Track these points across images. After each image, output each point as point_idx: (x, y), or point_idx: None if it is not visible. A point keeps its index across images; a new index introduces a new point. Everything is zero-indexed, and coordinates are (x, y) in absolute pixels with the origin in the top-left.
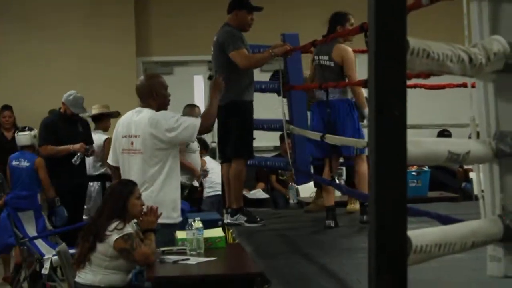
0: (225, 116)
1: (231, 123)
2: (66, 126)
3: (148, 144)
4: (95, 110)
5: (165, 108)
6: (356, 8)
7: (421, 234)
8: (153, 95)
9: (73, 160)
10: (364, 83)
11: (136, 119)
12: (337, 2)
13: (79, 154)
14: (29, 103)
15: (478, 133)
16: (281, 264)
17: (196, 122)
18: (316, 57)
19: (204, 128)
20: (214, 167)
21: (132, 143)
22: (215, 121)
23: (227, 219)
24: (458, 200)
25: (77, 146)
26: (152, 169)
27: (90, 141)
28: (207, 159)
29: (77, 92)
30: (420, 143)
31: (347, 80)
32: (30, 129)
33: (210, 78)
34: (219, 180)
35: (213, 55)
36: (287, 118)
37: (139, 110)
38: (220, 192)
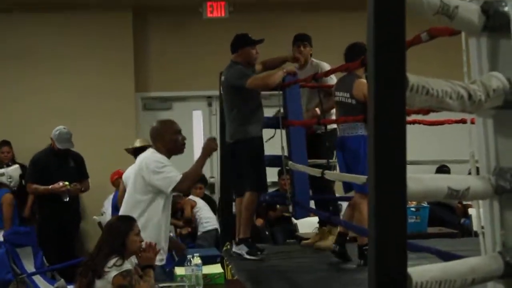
0: (238, 151)
1: (244, 158)
2: (56, 161)
3: (134, 181)
4: (138, 144)
5: (177, 152)
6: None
7: (421, 270)
8: (160, 139)
9: (63, 197)
10: (363, 119)
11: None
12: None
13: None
14: (27, 138)
15: (477, 169)
16: None
17: (177, 177)
18: (336, 93)
19: (184, 187)
20: (201, 204)
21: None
22: (195, 183)
23: (234, 248)
24: (457, 236)
25: (56, 186)
26: (135, 208)
27: (83, 176)
28: (197, 199)
29: (65, 127)
30: (420, 179)
31: None
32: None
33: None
34: (212, 214)
35: (223, 94)
36: (285, 153)
37: (147, 150)
38: (216, 226)
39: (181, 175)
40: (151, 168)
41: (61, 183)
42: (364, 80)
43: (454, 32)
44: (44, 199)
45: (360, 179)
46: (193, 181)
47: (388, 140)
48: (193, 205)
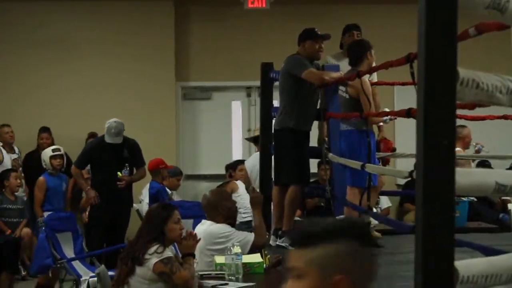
0: (282, 141)
1: (287, 149)
2: (108, 150)
3: (200, 256)
4: (254, 133)
5: (232, 216)
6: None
7: (468, 264)
8: (218, 210)
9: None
10: (407, 112)
11: (197, 232)
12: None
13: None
14: (67, 127)
15: None
16: None
17: (250, 237)
18: (339, 87)
19: (260, 245)
20: (243, 192)
21: None
22: (265, 237)
23: (275, 242)
24: (496, 231)
25: (90, 193)
26: None
27: (137, 164)
28: (239, 183)
29: (115, 121)
30: (469, 173)
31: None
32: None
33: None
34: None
35: (280, 83)
36: (326, 146)
37: (203, 222)
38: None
39: (252, 234)
40: (218, 237)
41: (92, 193)
42: (364, 78)
43: (503, 26)
44: (98, 184)
45: (402, 173)
46: (265, 234)
47: (437, 133)
48: (234, 188)
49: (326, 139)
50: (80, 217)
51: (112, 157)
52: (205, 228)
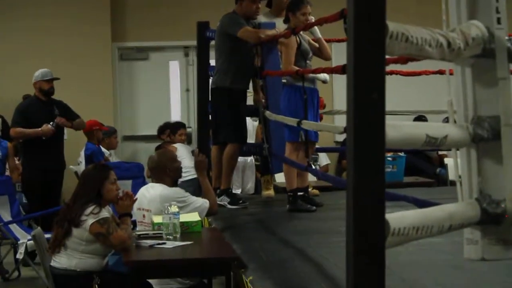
0: (219, 100)
1: (223, 108)
2: (42, 108)
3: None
4: None
5: (179, 176)
6: None
7: (399, 217)
8: (166, 171)
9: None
10: (342, 69)
11: (148, 194)
12: None
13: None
14: (1, 90)
15: (455, 119)
16: (257, 248)
17: (206, 204)
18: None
19: (214, 212)
20: (183, 153)
21: (144, 216)
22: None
23: None
24: (434, 185)
25: (44, 128)
26: None
27: (72, 118)
28: (177, 145)
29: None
30: (399, 126)
31: None
32: None
33: (192, 152)
34: (191, 164)
35: (215, 42)
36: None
37: (152, 185)
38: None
39: (207, 201)
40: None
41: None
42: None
43: None
44: (29, 145)
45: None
46: (215, 200)
47: (367, 88)
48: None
49: (263, 96)
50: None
51: (43, 116)
52: (159, 192)
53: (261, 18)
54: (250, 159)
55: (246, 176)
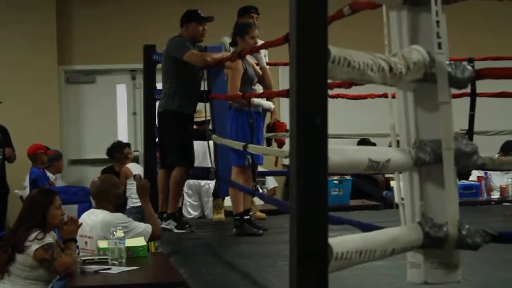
0: (166, 124)
1: (170, 131)
2: None
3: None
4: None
5: (121, 202)
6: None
7: (342, 241)
8: (109, 198)
9: None
10: (287, 93)
11: (90, 221)
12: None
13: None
14: None
15: (398, 142)
16: (204, 273)
17: (148, 229)
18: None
19: (157, 237)
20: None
21: (86, 243)
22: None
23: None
24: (380, 208)
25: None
26: None
27: (8, 145)
28: (131, 166)
29: None
30: (341, 151)
31: None
32: None
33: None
34: None
35: (162, 65)
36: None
37: (93, 211)
38: None
39: (149, 225)
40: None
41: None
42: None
43: (375, 5)
44: None
45: (284, 153)
46: (159, 225)
47: (309, 112)
48: (128, 174)
49: (209, 120)
50: None
51: None
52: (101, 218)
53: (227, 39)
54: (205, 182)
55: (204, 201)
